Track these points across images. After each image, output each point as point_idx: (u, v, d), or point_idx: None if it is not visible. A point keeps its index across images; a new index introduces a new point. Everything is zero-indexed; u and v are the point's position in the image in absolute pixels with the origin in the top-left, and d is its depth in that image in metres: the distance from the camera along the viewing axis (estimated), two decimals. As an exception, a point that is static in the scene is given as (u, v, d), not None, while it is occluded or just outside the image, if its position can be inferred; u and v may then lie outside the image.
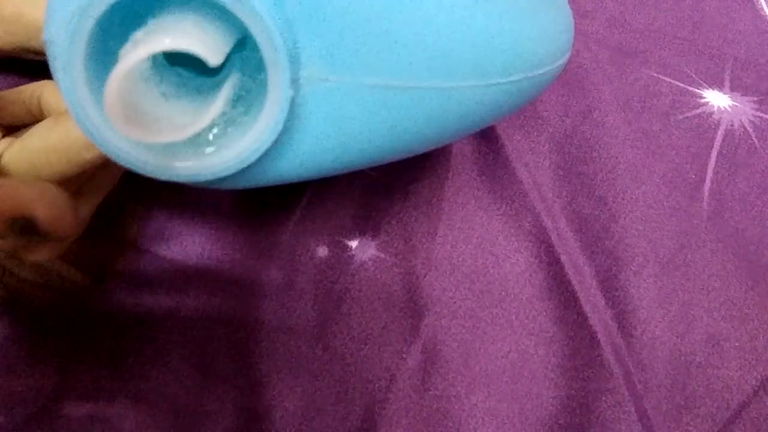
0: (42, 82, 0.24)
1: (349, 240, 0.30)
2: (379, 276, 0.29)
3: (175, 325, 0.29)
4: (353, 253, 0.30)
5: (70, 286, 0.29)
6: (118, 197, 0.30)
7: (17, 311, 0.29)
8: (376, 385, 0.28)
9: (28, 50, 0.25)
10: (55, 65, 0.14)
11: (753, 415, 0.27)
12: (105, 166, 0.22)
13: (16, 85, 0.27)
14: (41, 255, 0.23)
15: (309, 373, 0.28)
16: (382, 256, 0.30)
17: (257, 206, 0.31)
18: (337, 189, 0.31)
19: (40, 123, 0.21)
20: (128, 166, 0.15)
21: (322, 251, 0.30)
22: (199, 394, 0.28)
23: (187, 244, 0.30)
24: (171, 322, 0.29)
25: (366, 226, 0.30)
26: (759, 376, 0.27)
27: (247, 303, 0.29)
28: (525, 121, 0.32)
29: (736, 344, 0.28)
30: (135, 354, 0.28)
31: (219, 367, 0.28)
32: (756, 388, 0.27)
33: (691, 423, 0.27)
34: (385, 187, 0.31)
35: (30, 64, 0.27)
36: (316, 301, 0.29)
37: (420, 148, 0.21)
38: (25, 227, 0.18)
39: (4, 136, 0.22)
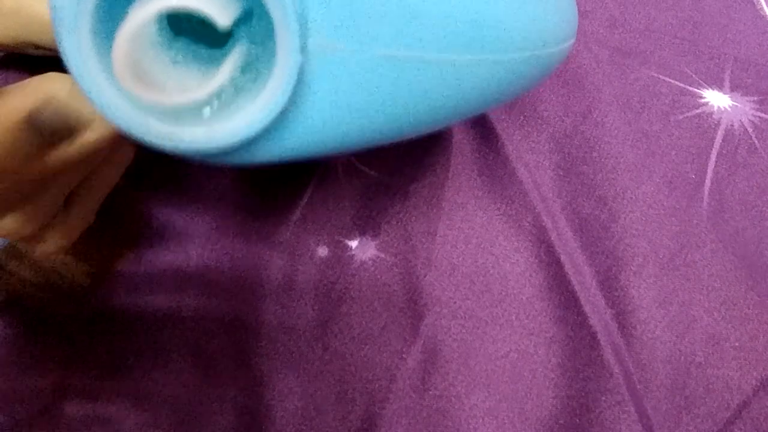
0: (46, 74, 0.24)
1: (349, 240, 0.30)
2: (379, 276, 0.29)
3: (175, 325, 0.29)
4: (353, 253, 0.30)
5: (70, 286, 0.29)
6: (119, 198, 0.30)
7: (17, 311, 0.29)
8: (376, 385, 0.28)
9: (29, 44, 0.25)
10: (60, 28, 0.14)
11: (753, 415, 0.27)
12: (108, 159, 0.22)
13: (17, 80, 0.27)
14: (50, 247, 0.23)
15: (309, 373, 0.28)
16: (382, 256, 0.30)
17: (257, 206, 0.31)
18: (337, 189, 0.31)
19: None
20: (132, 133, 0.15)
21: (322, 251, 0.30)
22: (199, 394, 0.28)
23: (187, 244, 0.30)
24: (171, 322, 0.29)
25: (366, 226, 0.30)
26: (759, 376, 0.27)
27: (247, 303, 0.29)
28: (525, 121, 0.32)
29: (736, 344, 0.28)
30: (135, 354, 0.28)
31: (219, 367, 0.28)
32: (756, 388, 0.27)
33: (691, 423, 0.27)
34: (385, 187, 0.31)
35: (30, 59, 0.27)
36: (316, 301, 0.29)
37: (429, 126, 0.20)
38: (48, 124, 0.18)
39: None
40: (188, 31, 0.16)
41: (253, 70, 0.15)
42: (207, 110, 0.15)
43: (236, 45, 0.15)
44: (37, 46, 0.25)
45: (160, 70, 0.15)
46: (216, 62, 0.16)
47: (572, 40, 0.24)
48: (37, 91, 0.19)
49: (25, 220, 0.21)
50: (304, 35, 0.14)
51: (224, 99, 0.15)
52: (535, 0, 0.20)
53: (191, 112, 0.15)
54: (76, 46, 0.14)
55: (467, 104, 0.20)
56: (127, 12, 0.14)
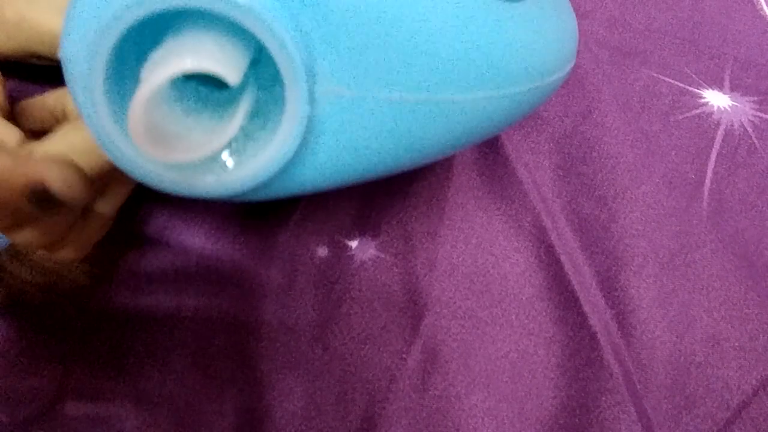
0: (65, 89, 0.24)
1: (349, 240, 0.30)
2: (379, 276, 0.29)
3: (175, 325, 0.29)
4: (353, 253, 0.30)
5: (70, 286, 0.29)
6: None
7: (17, 311, 0.29)
8: (376, 385, 0.28)
9: (31, 54, 0.25)
10: (74, 84, 0.14)
11: (753, 415, 0.27)
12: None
13: (19, 89, 0.27)
14: (69, 254, 0.23)
15: (309, 373, 0.28)
16: (382, 256, 0.30)
17: (257, 206, 0.31)
18: (337, 189, 0.31)
19: (62, 128, 0.22)
20: (148, 183, 0.15)
21: (322, 251, 0.30)
22: (199, 394, 0.28)
23: (187, 245, 0.30)
24: (171, 322, 0.29)
25: (366, 226, 0.30)
26: (759, 376, 0.27)
27: (247, 303, 0.29)
28: (525, 121, 0.32)
29: (736, 344, 0.28)
30: (135, 354, 0.28)
31: (219, 367, 0.28)
32: (756, 388, 0.27)
33: (691, 423, 0.27)
34: (385, 187, 0.31)
35: (32, 68, 0.27)
36: (316, 301, 0.29)
37: (434, 158, 0.21)
38: (44, 200, 0.19)
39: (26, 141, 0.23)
40: (196, 75, 0.16)
41: (261, 116, 0.16)
42: (219, 160, 0.16)
43: (244, 93, 0.16)
44: (38, 56, 0.25)
45: (173, 123, 0.15)
46: (225, 105, 0.16)
47: (574, 61, 0.24)
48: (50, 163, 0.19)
49: (42, 233, 0.21)
50: (311, 85, 0.15)
51: (234, 147, 0.16)
52: (536, 35, 0.20)
53: (203, 162, 0.15)
54: (90, 101, 0.14)
55: (471, 137, 0.21)
56: (139, 71, 0.14)
